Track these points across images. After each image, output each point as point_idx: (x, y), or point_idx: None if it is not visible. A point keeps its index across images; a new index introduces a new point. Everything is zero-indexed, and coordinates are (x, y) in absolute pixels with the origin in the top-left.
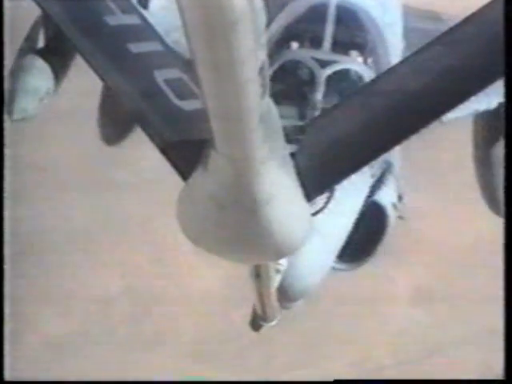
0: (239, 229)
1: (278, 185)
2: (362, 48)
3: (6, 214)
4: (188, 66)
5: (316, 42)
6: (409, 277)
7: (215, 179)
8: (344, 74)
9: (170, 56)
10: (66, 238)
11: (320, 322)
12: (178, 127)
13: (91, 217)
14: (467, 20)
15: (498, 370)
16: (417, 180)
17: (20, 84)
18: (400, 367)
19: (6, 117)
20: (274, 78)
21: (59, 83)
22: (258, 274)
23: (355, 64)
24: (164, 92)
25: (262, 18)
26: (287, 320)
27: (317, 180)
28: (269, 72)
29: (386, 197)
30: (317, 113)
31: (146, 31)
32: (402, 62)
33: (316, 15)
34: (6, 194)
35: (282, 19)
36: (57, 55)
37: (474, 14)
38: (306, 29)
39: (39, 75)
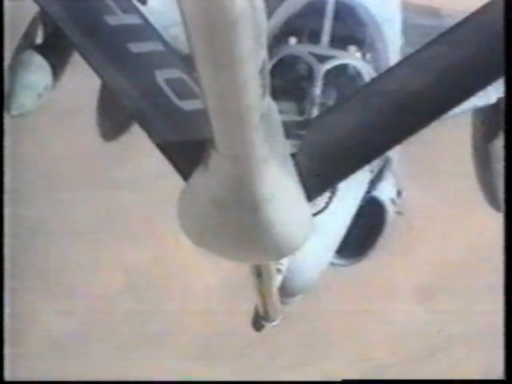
0: (240, 228)
1: (279, 184)
2: (360, 43)
3: (7, 212)
4: (187, 62)
5: (314, 38)
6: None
7: (216, 179)
8: (342, 69)
9: (170, 56)
10: (67, 236)
11: (321, 321)
12: (178, 127)
13: (93, 215)
14: (467, 19)
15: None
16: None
17: (18, 80)
18: (401, 364)
19: (5, 115)
20: (273, 73)
21: (57, 79)
22: (259, 274)
23: (353, 59)
24: (164, 92)
25: (263, 17)
26: (288, 319)
27: (317, 180)
28: (268, 67)
29: (385, 192)
30: (315, 108)
31: (147, 31)
32: (401, 62)
33: (314, 10)
34: (6, 193)
35: (281, 14)
36: (55, 51)
37: (473, 14)
38: (304, 24)
39: (37, 71)
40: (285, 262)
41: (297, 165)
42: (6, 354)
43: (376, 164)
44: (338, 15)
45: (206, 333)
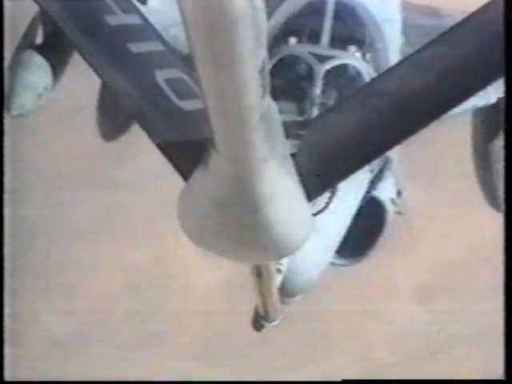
0: (240, 228)
1: (279, 184)
2: (360, 43)
3: (7, 212)
4: (187, 62)
5: (314, 38)
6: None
7: (216, 179)
8: (342, 69)
9: (170, 56)
10: (67, 236)
11: (321, 321)
12: (178, 127)
13: (93, 215)
14: (467, 19)
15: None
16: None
17: (18, 80)
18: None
19: (5, 115)
20: (273, 73)
21: (57, 79)
22: (259, 274)
23: (353, 59)
24: (164, 92)
25: (263, 17)
26: (288, 319)
27: (317, 180)
28: (268, 67)
29: (385, 192)
30: (315, 108)
31: (147, 31)
32: (401, 62)
33: (314, 10)
34: (6, 193)
35: (281, 14)
36: (55, 51)
37: (473, 14)
38: (304, 24)
39: (37, 71)
40: (285, 262)
41: (297, 165)
42: (6, 354)
43: (376, 164)
44: (338, 15)
45: (205, 333)
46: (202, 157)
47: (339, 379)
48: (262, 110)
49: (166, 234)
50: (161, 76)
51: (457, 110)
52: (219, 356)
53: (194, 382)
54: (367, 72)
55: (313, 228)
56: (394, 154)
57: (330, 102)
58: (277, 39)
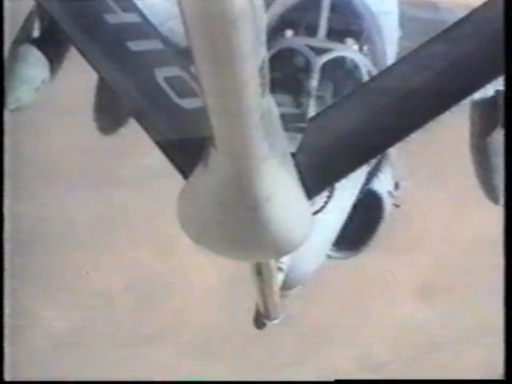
0: (240, 226)
1: (279, 182)
2: (357, 36)
3: (7, 209)
4: (185, 55)
5: (311, 30)
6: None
7: (216, 177)
8: (339, 62)
9: (170, 54)
10: (68, 233)
11: (321, 318)
12: (178, 125)
13: (93, 212)
14: (467, 17)
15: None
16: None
17: (15, 74)
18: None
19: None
20: (269, 66)
21: (54, 73)
22: (260, 272)
23: (350, 51)
24: (164, 90)
25: (262, 15)
26: (289, 318)
27: (317, 178)
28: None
29: (383, 185)
30: (312, 100)
31: (146, 29)
32: (401, 60)
33: (311, 3)
34: (6, 191)
35: (278, 7)
36: (52, 45)
37: (473, 12)
38: (301, 16)
39: (35, 65)
40: (286, 261)
41: (297, 163)
42: (6, 354)
43: None
44: (334, 8)
45: (206, 331)
46: (201, 155)
47: (339, 376)
48: (261, 109)
49: (167, 232)
50: (160, 74)
51: None
52: (220, 354)
53: (194, 382)
54: (364, 64)
55: (312, 226)
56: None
57: (327, 95)
58: (273, 32)
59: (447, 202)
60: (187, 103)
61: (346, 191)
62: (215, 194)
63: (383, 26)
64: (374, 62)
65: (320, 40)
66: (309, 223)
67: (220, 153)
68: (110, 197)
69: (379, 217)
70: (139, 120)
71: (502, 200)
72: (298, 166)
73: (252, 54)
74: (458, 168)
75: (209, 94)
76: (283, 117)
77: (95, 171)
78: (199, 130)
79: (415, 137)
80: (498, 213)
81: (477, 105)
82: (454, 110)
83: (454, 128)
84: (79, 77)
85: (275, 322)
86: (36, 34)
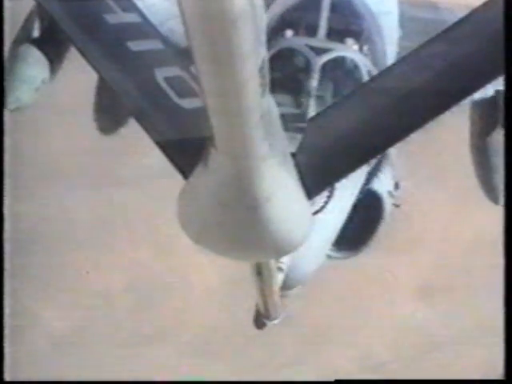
0: (240, 226)
1: (279, 182)
2: (357, 36)
3: (7, 209)
4: (185, 55)
5: (311, 30)
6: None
7: (216, 177)
8: (339, 62)
9: (170, 54)
10: (68, 233)
11: (321, 318)
12: (178, 125)
13: (93, 212)
14: (467, 17)
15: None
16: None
17: (15, 73)
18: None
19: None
20: (269, 66)
21: (54, 73)
22: (260, 272)
23: (350, 51)
24: (164, 90)
25: (263, 15)
26: (289, 317)
27: (317, 178)
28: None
29: (383, 185)
30: (312, 100)
31: (146, 29)
32: (401, 60)
33: (311, 3)
34: (6, 191)
35: (278, 7)
36: (52, 45)
37: (473, 12)
38: (301, 16)
39: (35, 65)
40: (286, 261)
41: (297, 163)
42: (6, 354)
43: None
44: (334, 8)
45: (206, 331)
46: (201, 155)
47: (340, 375)
48: (261, 109)
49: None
50: (160, 74)
51: None
52: (220, 353)
53: (194, 382)
54: (364, 64)
55: (312, 226)
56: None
57: (327, 95)
58: (273, 32)
59: (447, 202)
60: (187, 103)
61: (346, 191)
62: (215, 194)
63: (383, 25)
64: (374, 62)
65: (320, 40)
66: (309, 223)
67: (220, 153)
68: (110, 197)
69: (379, 217)
70: (139, 120)
71: (502, 200)
72: (298, 166)
73: (252, 54)
74: (457, 168)
75: (209, 94)
76: (283, 117)
77: (95, 171)
78: (199, 130)
79: (415, 137)
80: (498, 213)
81: (477, 105)
82: (454, 109)
83: (453, 128)
84: (79, 77)
85: (275, 322)
86: (36, 33)
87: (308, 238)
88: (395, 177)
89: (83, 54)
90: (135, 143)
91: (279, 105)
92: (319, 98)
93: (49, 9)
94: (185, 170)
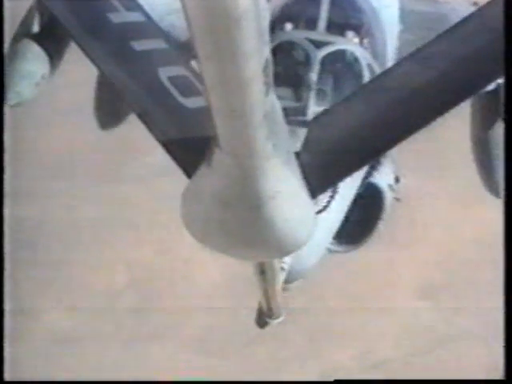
0: (243, 226)
1: (283, 182)
2: (357, 29)
3: (7, 209)
4: (186, 49)
5: (311, 23)
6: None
7: (219, 177)
8: (339, 55)
9: (174, 53)
10: (70, 231)
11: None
12: (181, 125)
13: (96, 210)
14: (471, 16)
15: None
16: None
17: (15, 69)
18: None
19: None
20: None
21: (54, 68)
22: (263, 271)
23: (351, 45)
24: (168, 89)
25: (266, 14)
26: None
27: (321, 177)
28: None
29: (383, 178)
30: (312, 94)
31: (150, 28)
32: (405, 59)
33: None
34: (6, 191)
35: (277, 0)
36: (52, 40)
37: (478, 10)
38: (300, 10)
39: (34, 60)
40: (288, 260)
41: (300, 162)
42: (6, 354)
43: None
44: (334, 1)
45: (209, 329)
46: (205, 154)
47: (340, 373)
48: (265, 108)
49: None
50: (164, 73)
51: None
52: (222, 352)
53: (194, 382)
54: (364, 58)
55: (316, 225)
56: None
57: (327, 88)
58: (273, 25)
59: (450, 198)
60: (191, 102)
61: (348, 188)
62: (219, 193)
63: (384, 19)
64: (375, 56)
65: (320, 33)
66: (312, 223)
67: (223, 152)
68: (112, 195)
69: (380, 210)
70: (143, 119)
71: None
72: (301, 165)
73: (256, 53)
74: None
75: (212, 93)
76: (283, 110)
77: (98, 169)
78: (203, 130)
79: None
80: (499, 210)
81: (478, 98)
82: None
83: (456, 124)
84: (81, 74)
85: (278, 320)
86: (36, 29)
87: (312, 237)
88: (395, 170)
89: (86, 53)
90: (138, 141)
91: (279, 98)
92: (319, 91)
93: (51, 8)
94: (188, 169)
